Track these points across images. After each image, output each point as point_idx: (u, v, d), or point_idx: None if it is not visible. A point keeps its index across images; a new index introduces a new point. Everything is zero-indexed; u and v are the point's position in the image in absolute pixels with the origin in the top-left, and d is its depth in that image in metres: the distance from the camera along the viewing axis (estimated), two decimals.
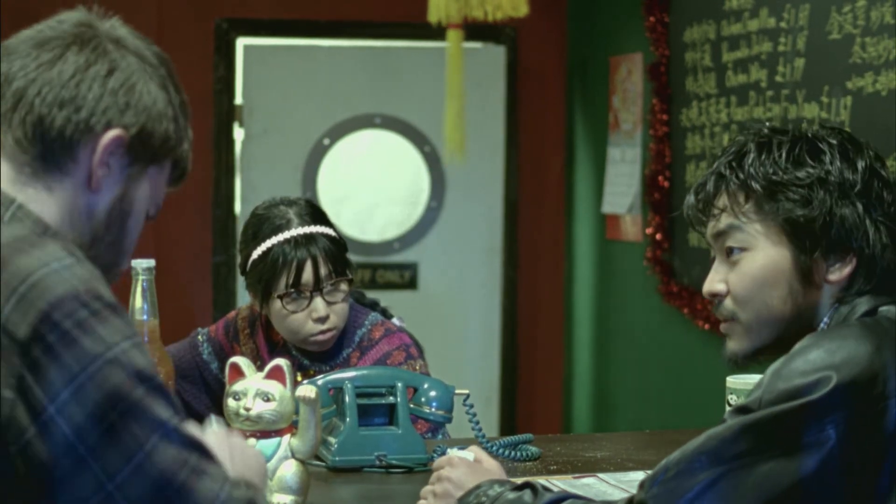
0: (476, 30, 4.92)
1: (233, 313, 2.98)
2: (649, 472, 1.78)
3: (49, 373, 1.38)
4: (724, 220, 1.88)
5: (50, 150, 1.52)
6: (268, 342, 2.89)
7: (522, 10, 4.40)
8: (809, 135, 1.87)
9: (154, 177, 1.60)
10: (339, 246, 2.79)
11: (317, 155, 5.61)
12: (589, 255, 5.54)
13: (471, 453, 2.08)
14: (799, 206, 1.83)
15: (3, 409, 1.38)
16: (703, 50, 4.36)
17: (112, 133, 1.53)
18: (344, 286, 2.77)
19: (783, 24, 3.80)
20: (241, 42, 5.57)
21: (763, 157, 1.86)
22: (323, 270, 2.74)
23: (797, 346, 1.73)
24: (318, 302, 2.75)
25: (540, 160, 5.76)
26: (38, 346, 1.38)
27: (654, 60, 4.68)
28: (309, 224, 2.76)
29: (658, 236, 4.63)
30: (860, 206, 1.82)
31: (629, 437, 3.11)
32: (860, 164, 1.84)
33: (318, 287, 2.74)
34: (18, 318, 1.39)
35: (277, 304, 2.75)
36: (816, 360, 1.68)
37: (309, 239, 2.75)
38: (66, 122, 1.52)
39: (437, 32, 4.58)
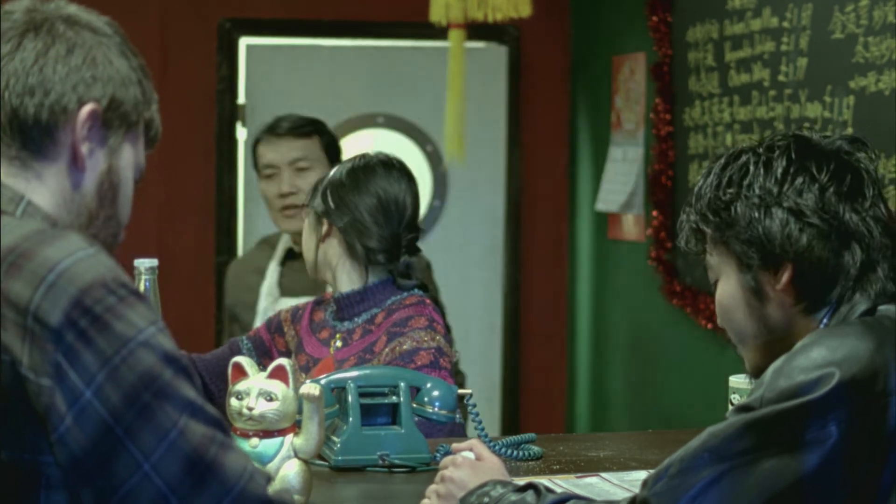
0: (478, 29, 4.92)
1: (275, 314, 3.05)
2: (652, 471, 1.78)
3: (84, 357, 1.42)
4: (706, 256, 1.93)
5: (31, 139, 1.55)
6: (311, 320, 2.94)
7: (525, 10, 4.40)
8: (735, 151, 1.90)
9: (133, 142, 1.64)
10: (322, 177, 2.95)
11: None
12: (591, 254, 5.54)
13: (471, 452, 2.09)
14: (729, 226, 1.85)
15: (43, 398, 1.41)
16: (705, 49, 4.36)
17: (87, 108, 1.57)
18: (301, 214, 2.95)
19: (786, 24, 3.80)
20: (244, 42, 5.57)
21: (702, 188, 1.90)
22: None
23: (798, 344, 1.73)
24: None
25: (542, 159, 5.76)
26: (71, 331, 1.42)
27: (657, 60, 4.68)
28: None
29: (661, 236, 4.63)
30: (783, 213, 1.81)
31: (632, 436, 3.11)
32: (779, 170, 1.83)
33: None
34: (49, 306, 1.42)
35: None
36: (818, 358, 1.68)
37: None
38: (40, 107, 1.55)
39: (440, 32, 4.58)
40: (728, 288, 1.88)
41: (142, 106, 1.63)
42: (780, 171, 1.83)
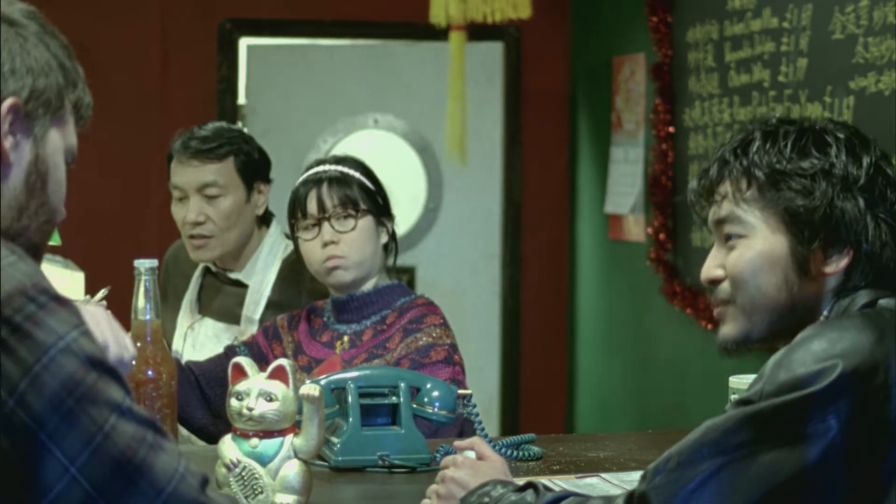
0: (479, 29, 4.92)
1: (270, 321, 3.04)
2: (651, 464, 1.78)
3: (5, 367, 1.41)
4: (725, 207, 1.88)
5: None
6: (309, 326, 2.94)
7: (525, 12, 4.40)
8: (817, 127, 1.87)
9: (59, 126, 1.62)
10: (355, 184, 2.87)
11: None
12: (592, 255, 5.54)
13: (472, 451, 2.09)
14: (800, 195, 1.83)
15: None
16: (705, 50, 4.36)
17: (6, 103, 1.54)
18: (357, 221, 2.84)
19: (786, 24, 3.81)
20: (245, 42, 5.58)
21: (768, 145, 1.86)
22: (330, 200, 2.84)
23: (798, 337, 1.73)
24: (326, 227, 2.84)
25: (543, 160, 5.76)
26: None
27: (658, 60, 4.68)
28: (331, 164, 2.89)
29: (661, 236, 4.63)
30: (862, 201, 1.82)
31: (632, 437, 3.11)
32: (865, 160, 1.84)
33: (323, 214, 2.83)
34: None
35: (297, 234, 2.88)
36: (818, 350, 1.68)
37: (323, 174, 2.87)
38: None
39: (441, 33, 4.58)
40: (765, 250, 1.84)
41: (65, 90, 1.61)
42: (865, 161, 1.84)
